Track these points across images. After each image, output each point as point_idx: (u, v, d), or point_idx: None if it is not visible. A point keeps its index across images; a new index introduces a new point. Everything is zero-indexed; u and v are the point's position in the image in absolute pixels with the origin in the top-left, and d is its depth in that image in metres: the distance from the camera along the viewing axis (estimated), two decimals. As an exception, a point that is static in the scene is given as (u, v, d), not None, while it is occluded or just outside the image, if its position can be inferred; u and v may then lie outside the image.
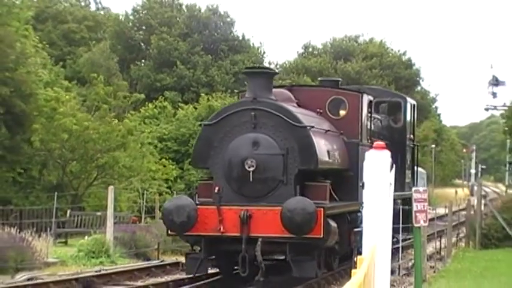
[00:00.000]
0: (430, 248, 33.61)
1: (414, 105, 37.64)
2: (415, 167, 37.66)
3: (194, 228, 23.32)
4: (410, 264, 26.96)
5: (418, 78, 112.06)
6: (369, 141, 29.51)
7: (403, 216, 29.34)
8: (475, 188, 69.86)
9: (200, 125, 29.17)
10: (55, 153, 57.76)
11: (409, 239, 31.43)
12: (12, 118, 51.10)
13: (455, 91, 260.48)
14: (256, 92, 24.68)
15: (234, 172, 23.89)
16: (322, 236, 22.16)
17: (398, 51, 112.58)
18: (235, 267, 25.09)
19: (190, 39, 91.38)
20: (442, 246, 42.75)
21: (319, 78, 46.55)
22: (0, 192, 50.08)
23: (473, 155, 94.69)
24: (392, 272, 24.53)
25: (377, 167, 17.52)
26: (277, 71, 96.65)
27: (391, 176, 18.24)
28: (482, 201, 59.76)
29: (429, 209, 31.05)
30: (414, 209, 26.41)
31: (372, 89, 39.22)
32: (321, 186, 24.46)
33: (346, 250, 27.86)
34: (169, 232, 27.79)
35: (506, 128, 62.61)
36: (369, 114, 30.34)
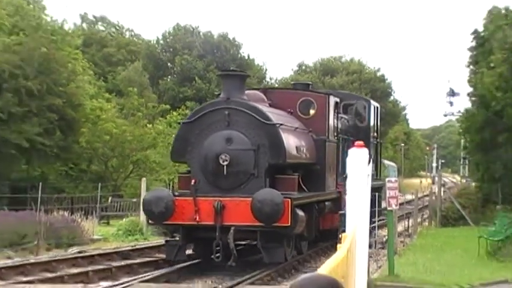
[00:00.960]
0: (400, 227, 33.83)
1: (377, 107, 36.03)
2: (379, 161, 35.35)
3: (172, 217, 21.73)
4: (384, 239, 27.09)
5: (390, 90, 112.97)
6: (336, 137, 28.59)
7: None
8: (436, 178, 70.28)
9: (179, 123, 26.61)
10: (99, 151, 60.82)
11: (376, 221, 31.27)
12: (65, 124, 54.78)
13: (420, 99, 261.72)
14: (230, 93, 23.04)
15: (210, 166, 22.23)
16: (290, 224, 20.77)
17: (374, 68, 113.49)
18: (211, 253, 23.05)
19: (205, 59, 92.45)
20: (410, 225, 42.92)
21: (292, 82, 45.15)
22: (56, 183, 51.24)
23: (435, 152, 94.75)
24: (370, 246, 22.77)
25: (357, 162, 17.39)
26: (276, 85, 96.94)
27: (369, 168, 18.46)
28: (442, 189, 60.24)
29: (399, 195, 31.24)
30: (387, 195, 26.72)
31: (341, 93, 36.27)
32: (289, 178, 22.86)
33: (314, 236, 26.57)
34: (149, 221, 26.87)
35: (460, 130, 62.70)
36: (336, 114, 28.65)
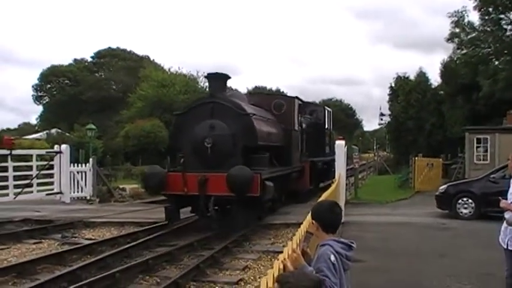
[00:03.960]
0: (360, 175, 34.22)
1: (330, 111, 28.49)
2: (332, 143, 26.28)
3: (167, 188, 14.92)
4: (352, 181, 27.30)
5: (354, 114, 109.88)
6: (300, 127, 21.45)
7: (322, 170, 23.82)
8: (376, 153, 70.28)
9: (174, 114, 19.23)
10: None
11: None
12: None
13: (369, 116, 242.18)
14: (214, 90, 16.40)
15: (198, 148, 15.40)
16: (259, 194, 14.31)
17: (349, 105, 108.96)
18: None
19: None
20: (364, 174, 42.66)
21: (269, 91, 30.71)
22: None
23: (375, 141, 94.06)
24: (346, 184, 21.72)
25: (340, 146, 17.59)
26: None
27: (344, 148, 18.02)
28: (378, 158, 60.80)
29: (360, 160, 31.75)
30: (354, 160, 27.26)
31: (309, 103, 27.60)
32: (261, 157, 16.28)
33: (283, 197, 19.54)
34: (147, 191, 19.35)
35: (386, 131, 63.25)
36: (299, 113, 21.28)
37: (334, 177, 18.26)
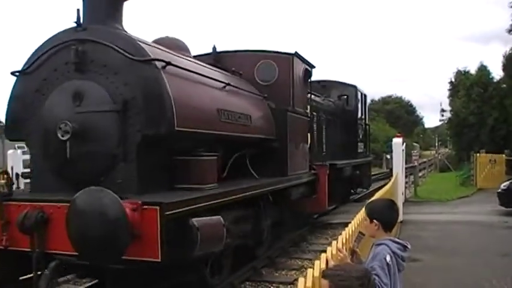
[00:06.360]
0: (420, 173, 33.36)
1: (364, 94, 19.92)
2: (368, 140, 21.24)
3: None
4: (412, 179, 26.68)
5: (414, 111, 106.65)
6: (314, 113, 13.20)
7: (353, 178, 17.83)
8: (437, 150, 68.72)
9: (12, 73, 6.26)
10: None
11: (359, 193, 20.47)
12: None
13: (430, 113, 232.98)
14: (89, 18, 5.72)
15: (49, 144, 5.65)
16: (160, 258, 4.48)
17: (409, 101, 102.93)
18: None
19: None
20: (425, 171, 41.72)
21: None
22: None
23: (436, 138, 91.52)
24: (406, 183, 21.67)
25: (398, 144, 16.81)
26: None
27: (402, 146, 17.00)
28: (439, 155, 59.50)
29: (420, 158, 31.06)
30: (413, 158, 26.67)
31: (329, 81, 18.34)
32: (203, 161, 6.04)
33: (264, 237, 9.80)
34: None
35: (448, 130, 61.85)
36: (307, 84, 11.77)
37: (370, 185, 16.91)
